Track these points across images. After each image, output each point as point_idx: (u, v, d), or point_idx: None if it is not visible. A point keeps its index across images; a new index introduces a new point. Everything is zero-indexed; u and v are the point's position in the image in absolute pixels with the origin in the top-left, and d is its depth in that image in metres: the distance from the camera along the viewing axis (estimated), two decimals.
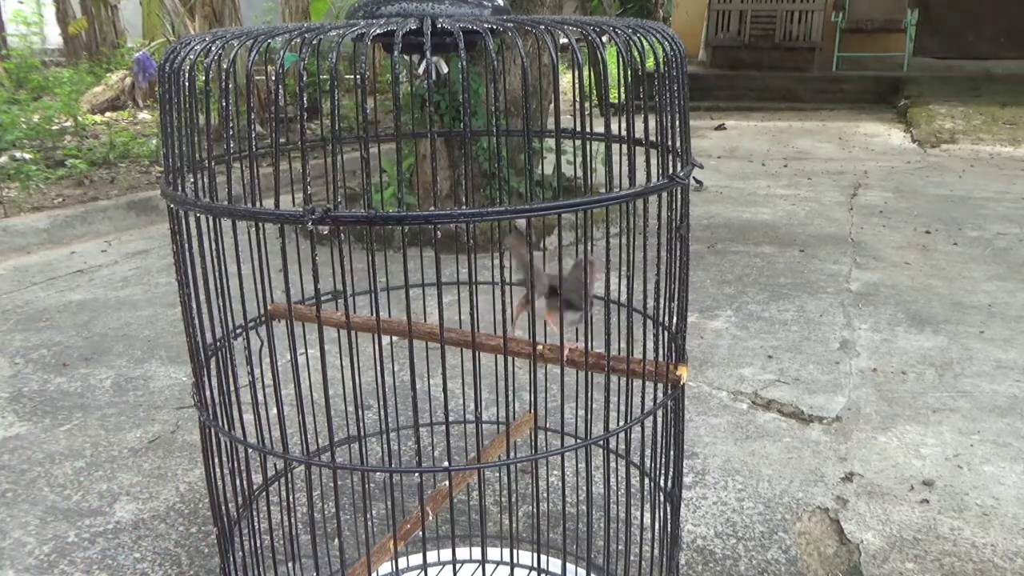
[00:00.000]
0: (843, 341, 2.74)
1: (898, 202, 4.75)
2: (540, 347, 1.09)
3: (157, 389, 2.48)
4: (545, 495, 1.87)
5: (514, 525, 1.61)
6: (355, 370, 1.18)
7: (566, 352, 1.06)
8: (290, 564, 1.06)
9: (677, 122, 0.98)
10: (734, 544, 1.70)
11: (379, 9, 0.95)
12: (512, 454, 1.57)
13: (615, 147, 0.94)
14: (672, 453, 1.12)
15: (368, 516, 1.73)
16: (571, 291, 1.09)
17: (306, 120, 0.84)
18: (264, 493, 1.19)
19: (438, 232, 0.85)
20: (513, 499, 1.71)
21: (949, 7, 10.51)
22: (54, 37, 10.67)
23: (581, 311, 1.10)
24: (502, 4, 1.01)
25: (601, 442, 1.02)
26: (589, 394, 1.10)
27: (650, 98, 0.95)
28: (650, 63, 0.97)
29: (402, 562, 1.48)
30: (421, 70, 1.00)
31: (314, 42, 0.85)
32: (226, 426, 1.02)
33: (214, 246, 0.93)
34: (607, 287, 0.98)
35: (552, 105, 0.90)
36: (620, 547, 1.52)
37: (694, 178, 1.04)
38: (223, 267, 0.95)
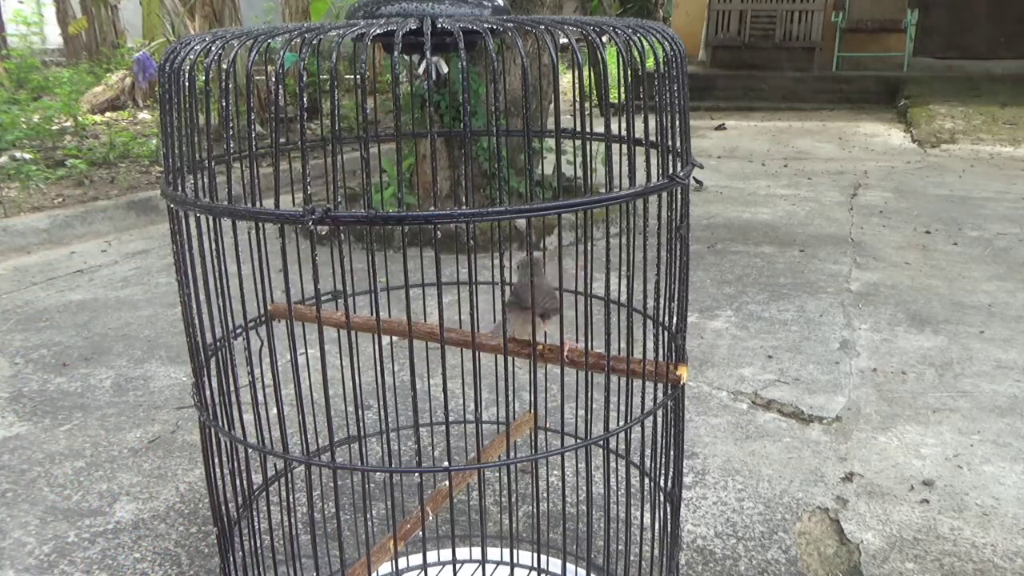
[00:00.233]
0: (843, 341, 2.74)
1: (898, 202, 4.75)
2: (540, 347, 1.09)
3: (157, 389, 2.48)
4: (545, 495, 1.87)
5: (514, 525, 1.60)
6: (355, 370, 1.18)
7: (566, 351, 1.06)
8: (290, 564, 1.06)
9: (677, 122, 0.98)
10: (734, 544, 1.70)
11: (379, 9, 0.95)
12: (512, 454, 1.57)
13: (615, 147, 0.94)
14: (672, 453, 1.12)
15: (368, 516, 1.73)
16: (544, 301, 1.09)
17: (306, 120, 0.84)
18: (264, 493, 1.19)
19: (438, 232, 0.85)
20: (513, 499, 1.71)
21: (949, 7, 10.52)
22: (54, 37, 10.67)
23: (557, 309, 1.10)
24: (502, 4, 1.01)
25: (601, 442, 1.02)
26: (589, 394, 1.10)
27: (650, 98, 0.95)
28: (650, 63, 0.97)
29: (402, 562, 1.48)
30: (421, 70, 1.00)
31: (314, 42, 0.85)
32: (226, 426, 1.02)
33: (214, 246, 0.93)
34: (607, 287, 0.98)
35: (552, 105, 0.90)
36: (620, 547, 1.52)
37: (694, 178, 1.04)
38: (223, 267, 0.95)
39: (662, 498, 1.17)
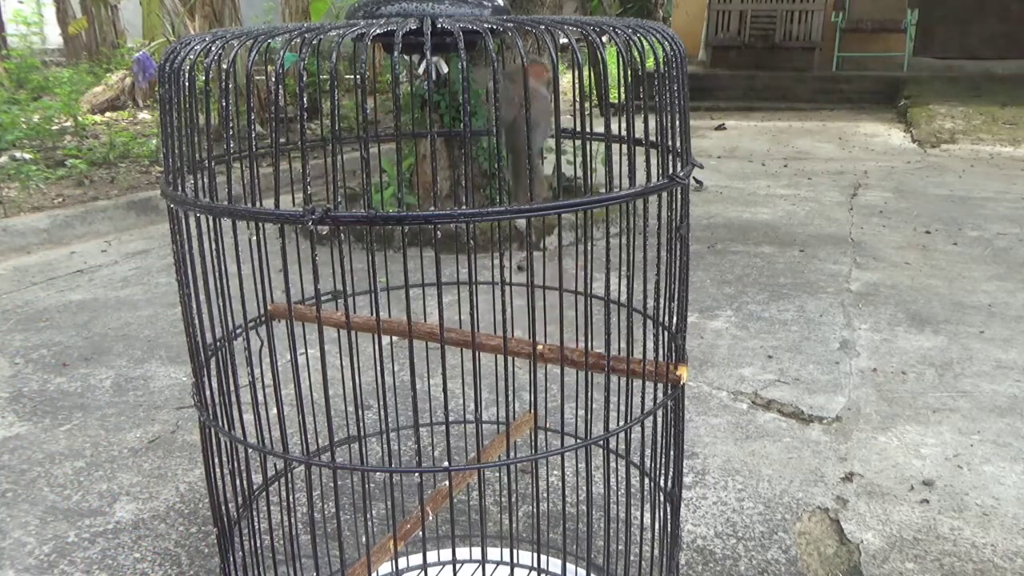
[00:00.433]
0: (843, 341, 2.74)
1: (898, 202, 4.75)
2: (540, 347, 1.09)
3: (157, 389, 2.48)
4: (545, 495, 1.87)
5: (514, 525, 1.61)
6: (355, 370, 1.18)
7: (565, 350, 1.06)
8: (290, 564, 1.06)
9: (677, 122, 0.98)
10: (734, 544, 1.70)
11: (379, 9, 0.95)
12: (512, 454, 1.57)
13: (615, 147, 0.94)
14: (672, 453, 1.12)
15: (368, 516, 1.73)
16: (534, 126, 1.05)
17: (306, 120, 0.84)
18: (264, 493, 1.19)
19: (438, 232, 0.85)
20: (513, 499, 1.71)
21: (949, 7, 10.52)
22: (54, 37, 10.67)
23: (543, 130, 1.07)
24: (502, 4, 1.01)
25: (601, 442, 1.02)
26: (589, 394, 1.10)
27: (650, 98, 0.95)
28: (650, 63, 0.97)
29: (402, 562, 1.49)
30: (421, 70, 1.00)
31: (314, 42, 0.85)
32: (226, 426, 1.02)
33: (214, 246, 0.93)
34: (607, 287, 0.98)
35: (552, 105, 0.90)
36: (620, 547, 1.52)
37: (694, 178, 1.04)
38: (223, 267, 0.95)
39: (662, 498, 1.17)
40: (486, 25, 0.85)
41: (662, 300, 1.05)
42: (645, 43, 0.95)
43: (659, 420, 1.08)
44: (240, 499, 1.08)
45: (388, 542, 1.12)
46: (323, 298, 1.02)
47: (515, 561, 1.49)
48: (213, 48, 0.88)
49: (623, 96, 0.96)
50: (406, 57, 1.09)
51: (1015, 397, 2.33)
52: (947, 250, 3.78)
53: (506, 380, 1.03)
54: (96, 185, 4.84)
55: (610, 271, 0.94)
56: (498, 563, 1.51)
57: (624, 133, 1.01)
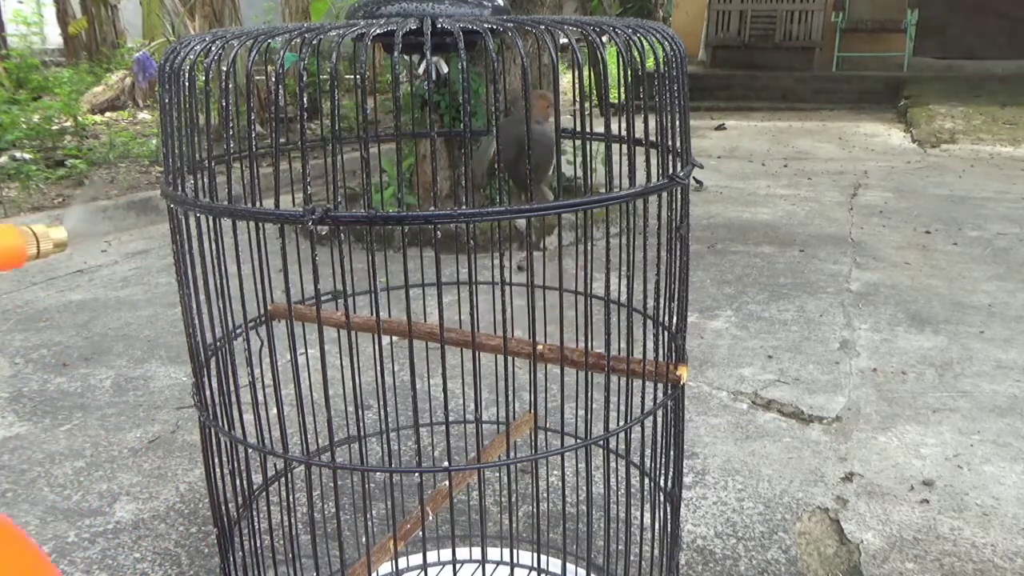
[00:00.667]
0: (843, 341, 2.74)
1: (898, 202, 4.75)
2: (540, 347, 1.09)
3: (157, 389, 2.48)
4: (545, 495, 1.87)
5: (514, 525, 1.60)
6: (355, 370, 1.18)
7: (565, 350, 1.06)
8: (290, 564, 1.06)
9: (677, 122, 0.98)
10: (734, 544, 1.70)
11: (379, 9, 0.95)
12: (512, 454, 1.57)
13: (615, 147, 0.94)
14: (672, 453, 1.12)
15: (368, 516, 1.73)
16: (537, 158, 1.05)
17: (306, 120, 0.84)
18: (264, 493, 1.19)
19: (438, 232, 0.85)
20: (513, 499, 1.71)
21: (949, 7, 10.52)
22: (54, 37, 10.66)
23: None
24: (502, 4, 1.01)
25: (601, 442, 1.02)
26: (589, 394, 1.10)
27: (650, 98, 0.95)
28: (650, 63, 0.97)
29: (402, 562, 1.48)
30: (421, 70, 1.00)
31: (314, 42, 0.85)
32: (226, 426, 1.02)
33: (214, 246, 0.93)
34: (607, 287, 0.98)
35: (551, 105, 0.90)
36: (620, 547, 1.52)
37: (694, 178, 1.04)
38: (223, 267, 0.95)
39: (662, 498, 1.17)
40: (486, 25, 0.85)
41: (662, 300, 1.05)
42: (645, 43, 0.95)
43: (659, 420, 1.08)
44: (240, 499, 1.08)
45: (388, 542, 1.12)
46: (323, 298, 1.02)
47: (515, 561, 1.49)
48: (213, 48, 0.88)
49: (623, 96, 0.96)
50: (406, 57, 1.09)
51: (1015, 397, 2.33)
52: (947, 250, 3.78)
53: (506, 380, 1.03)
54: (96, 185, 4.84)
55: (610, 271, 0.94)
56: (498, 563, 1.51)
57: (624, 133, 1.01)
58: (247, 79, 1.07)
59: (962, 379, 2.45)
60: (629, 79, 0.93)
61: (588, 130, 0.99)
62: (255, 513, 1.12)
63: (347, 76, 6.75)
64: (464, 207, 0.80)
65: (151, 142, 5.70)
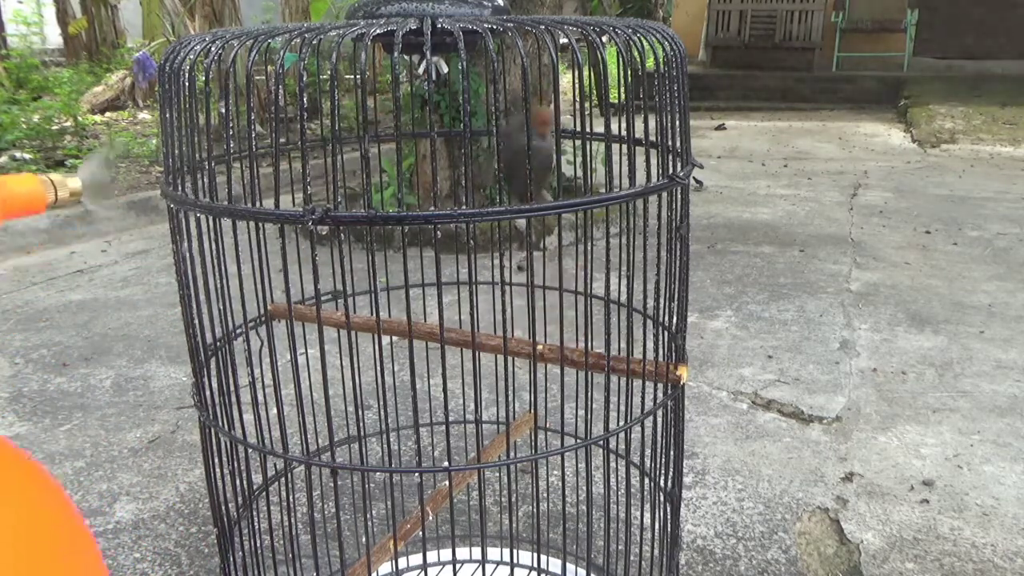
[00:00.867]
0: (843, 341, 2.74)
1: (898, 202, 4.75)
2: (540, 347, 1.09)
3: (157, 389, 2.48)
4: (545, 495, 1.87)
5: (514, 525, 1.60)
6: (355, 370, 1.18)
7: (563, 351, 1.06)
8: (290, 564, 1.06)
9: (677, 122, 0.97)
10: (734, 544, 1.70)
11: (379, 9, 0.95)
12: (512, 454, 1.57)
13: (615, 147, 0.94)
14: (672, 453, 1.12)
15: (368, 516, 1.73)
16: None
17: (306, 120, 0.84)
18: (264, 493, 1.19)
19: (438, 232, 0.85)
20: (513, 499, 1.71)
21: (949, 7, 10.52)
22: (54, 37, 10.66)
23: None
24: (502, 4, 1.01)
25: (601, 442, 1.02)
26: (589, 394, 1.10)
27: (650, 98, 0.95)
28: (650, 63, 0.97)
29: (402, 562, 1.48)
30: (421, 70, 1.00)
31: (314, 42, 0.85)
32: (226, 426, 1.02)
33: (214, 246, 0.93)
34: (607, 287, 0.98)
35: (552, 105, 0.90)
36: (620, 547, 1.52)
37: (694, 178, 1.04)
38: (223, 267, 0.95)
39: (662, 498, 1.17)
40: (486, 25, 0.85)
41: (662, 300, 1.05)
42: (645, 43, 0.95)
43: (659, 420, 1.08)
44: (240, 499, 1.08)
45: (388, 542, 1.12)
46: (323, 298, 1.02)
47: (515, 561, 1.49)
48: (213, 48, 0.88)
49: (623, 96, 0.96)
50: (406, 57, 1.09)
51: (1015, 397, 2.33)
52: (947, 250, 3.78)
53: (506, 380, 1.03)
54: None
55: (610, 271, 0.94)
56: (498, 563, 1.51)
57: (624, 133, 1.01)
58: (247, 79, 1.07)
59: (962, 379, 2.45)
60: (629, 79, 0.93)
61: (588, 130, 0.99)
62: (255, 513, 1.12)
63: (347, 76, 6.75)
64: (464, 207, 0.80)
65: (151, 142, 5.70)
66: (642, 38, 0.94)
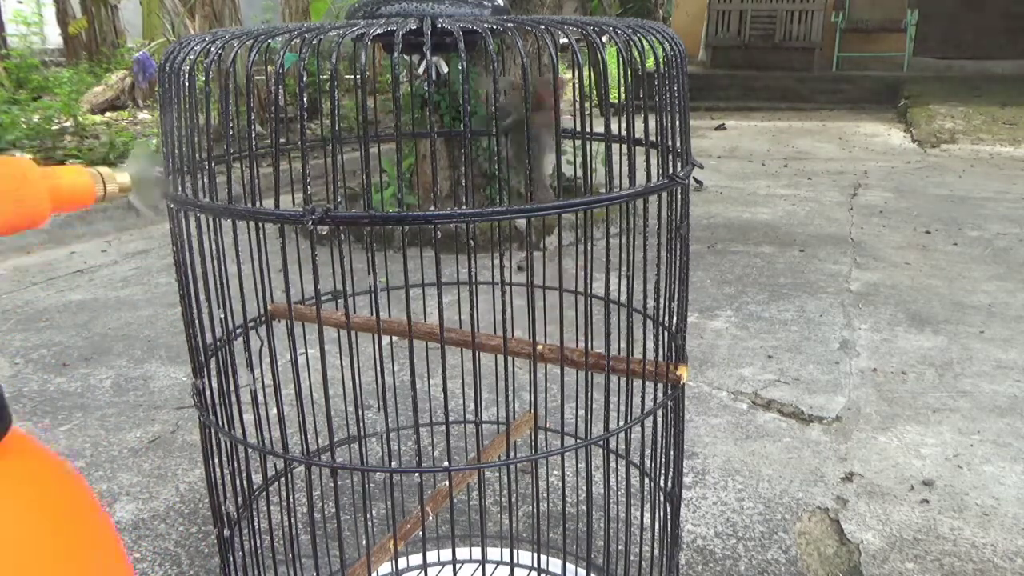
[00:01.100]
0: (843, 341, 2.74)
1: (898, 202, 4.75)
2: (540, 347, 1.09)
3: (157, 389, 2.48)
4: (545, 495, 1.87)
5: (514, 525, 1.60)
6: (355, 370, 1.18)
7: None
8: (290, 564, 1.06)
9: (677, 122, 0.97)
10: (734, 544, 1.70)
11: (379, 9, 0.95)
12: (512, 454, 1.57)
13: (615, 147, 0.94)
14: (672, 453, 1.12)
15: (368, 516, 1.73)
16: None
17: (306, 120, 0.84)
18: (264, 493, 1.19)
19: (438, 232, 0.85)
20: (513, 499, 1.71)
21: (949, 7, 10.52)
22: (54, 37, 10.67)
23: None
24: (502, 4, 1.01)
25: (601, 442, 1.02)
26: (589, 394, 1.10)
27: (650, 98, 0.95)
28: (650, 63, 0.97)
29: (402, 562, 1.48)
30: (421, 70, 1.00)
31: (314, 42, 0.85)
32: (226, 426, 1.02)
33: (214, 246, 0.93)
34: (607, 287, 0.98)
35: (552, 99, 0.90)
36: (620, 547, 1.52)
37: (694, 178, 1.04)
38: (223, 267, 0.95)
39: (662, 498, 1.17)
40: (486, 25, 0.85)
41: (662, 300, 1.05)
42: (645, 43, 0.95)
43: (659, 420, 1.08)
44: (240, 499, 1.08)
45: (388, 542, 1.12)
46: (323, 298, 1.02)
47: (515, 561, 1.49)
48: (213, 48, 0.88)
49: (623, 96, 0.96)
50: (406, 57, 1.09)
51: (1015, 397, 2.33)
52: (947, 250, 3.78)
53: (506, 380, 1.03)
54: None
55: (610, 271, 0.94)
56: (498, 563, 1.51)
57: (624, 133, 1.01)
58: (247, 79, 1.07)
59: (962, 379, 2.45)
60: (629, 79, 0.93)
61: (588, 130, 0.99)
62: (255, 513, 1.12)
63: (347, 76, 6.75)
64: (464, 207, 0.80)
65: (151, 142, 5.70)
66: (642, 38, 0.94)
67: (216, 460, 1.05)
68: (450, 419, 1.39)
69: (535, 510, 1.44)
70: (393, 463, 1.69)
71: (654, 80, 0.95)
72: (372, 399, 2.15)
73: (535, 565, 1.48)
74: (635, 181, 0.91)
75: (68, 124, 6.25)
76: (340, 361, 1.22)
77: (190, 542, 1.75)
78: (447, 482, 1.06)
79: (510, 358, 1.02)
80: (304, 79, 0.92)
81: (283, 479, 1.22)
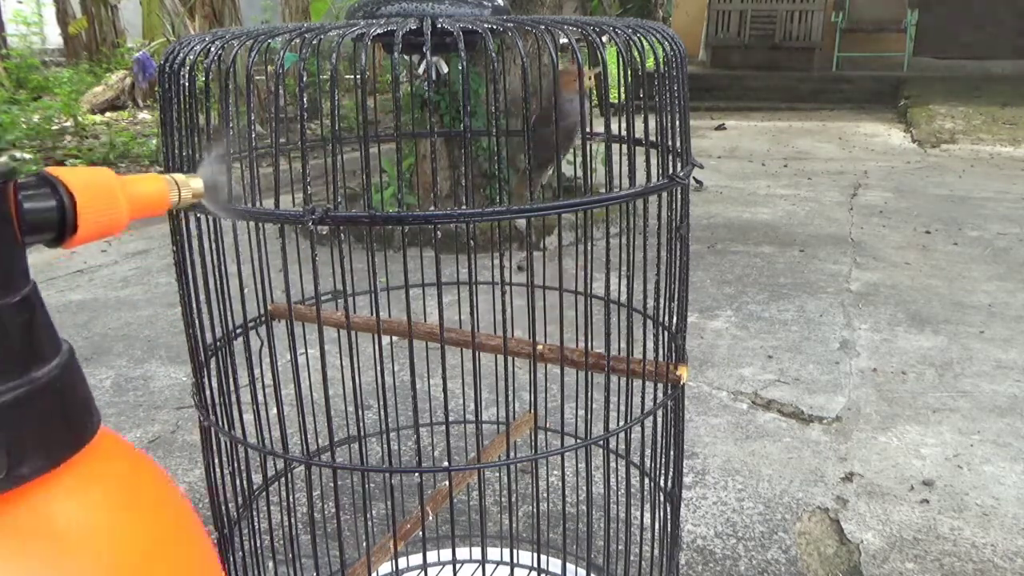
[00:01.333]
0: (843, 341, 2.74)
1: (898, 202, 4.75)
2: (540, 347, 1.09)
3: (157, 389, 2.48)
4: (545, 495, 1.87)
5: (514, 525, 1.60)
6: (355, 370, 1.18)
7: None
8: (290, 564, 1.06)
9: (677, 122, 0.97)
10: (734, 544, 1.70)
11: (379, 9, 0.95)
12: (512, 454, 1.57)
13: (615, 147, 0.94)
14: (672, 453, 1.12)
15: (368, 516, 1.73)
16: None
17: (306, 120, 0.84)
18: (264, 493, 1.19)
19: (438, 232, 0.85)
20: (513, 499, 1.71)
21: (949, 7, 10.52)
22: (54, 37, 10.67)
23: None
24: (502, 4, 1.01)
25: (601, 442, 1.02)
26: (589, 394, 1.10)
27: (650, 98, 0.95)
28: (650, 63, 0.97)
29: (402, 562, 1.48)
30: (421, 70, 1.00)
31: (314, 42, 0.85)
32: (226, 426, 1.02)
33: (214, 246, 0.93)
34: (607, 287, 0.98)
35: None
36: (620, 547, 1.52)
37: (694, 178, 1.04)
38: (223, 267, 0.95)
39: (662, 498, 1.17)
40: (486, 25, 0.85)
41: (662, 300, 1.05)
42: (645, 43, 0.95)
43: (659, 420, 1.08)
44: (240, 499, 1.08)
45: (388, 542, 1.12)
46: (323, 298, 1.02)
47: (515, 561, 1.49)
48: (213, 48, 0.88)
49: (623, 96, 0.96)
50: (406, 57, 1.09)
51: (1015, 397, 2.33)
52: (947, 250, 3.78)
53: (506, 380, 1.03)
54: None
55: (610, 271, 0.94)
56: (498, 563, 1.51)
57: (624, 133, 1.01)
58: (247, 79, 1.07)
59: (962, 379, 2.45)
60: (629, 79, 0.93)
61: (588, 130, 0.99)
62: (255, 513, 1.12)
63: (347, 76, 6.75)
64: (464, 207, 0.80)
65: (151, 142, 5.70)
66: (642, 38, 0.94)
67: (216, 460, 1.05)
68: (450, 419, 1.39)
69: (535, 510, 1.44)
70: (393, 463, 1.69)
71: (654, 80, 0.95)
72: (372, 399, 2.15)
73: (535, 565, 1.48)
74: (635, 181, 0.91)
75: (68, 124, 6.25)
76: (340, 361, 1.22)
77: None
78: (447, 482, 1.06)
79: (510, 358, 1.02)
80: (304, 79, 0.92)
81: (283, 479, 1.22)
